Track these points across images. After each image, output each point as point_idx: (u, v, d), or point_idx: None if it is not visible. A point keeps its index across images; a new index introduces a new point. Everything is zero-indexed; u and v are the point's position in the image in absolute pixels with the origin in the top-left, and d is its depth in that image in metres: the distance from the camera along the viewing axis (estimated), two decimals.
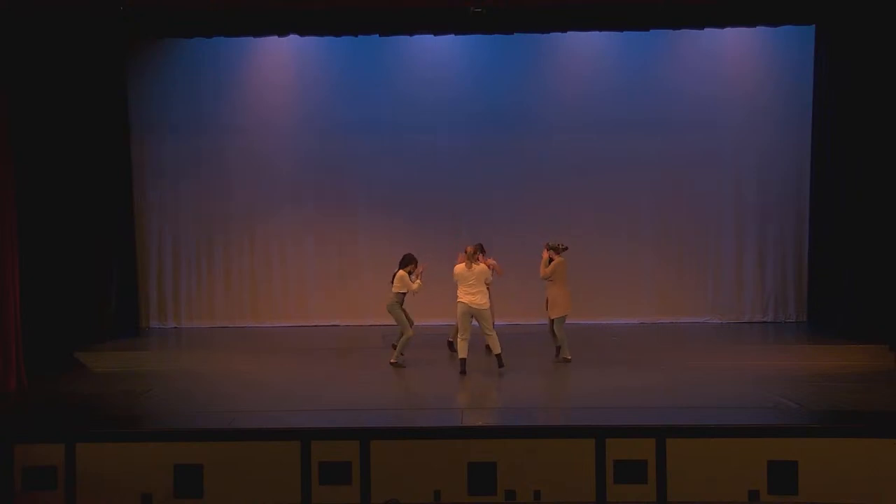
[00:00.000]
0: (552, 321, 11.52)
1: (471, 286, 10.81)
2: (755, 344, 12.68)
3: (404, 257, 11.56)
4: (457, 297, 10.90)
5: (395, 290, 11.40)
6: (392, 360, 11.39)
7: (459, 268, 10.93)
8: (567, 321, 13.93)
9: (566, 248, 11.56)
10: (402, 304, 11.46)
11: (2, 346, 10.39)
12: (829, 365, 11.36)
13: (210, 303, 14.80)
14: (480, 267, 10.93)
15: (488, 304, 10.88)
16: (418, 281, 11.35)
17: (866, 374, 10.89)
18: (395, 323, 11.66)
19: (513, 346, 12.06)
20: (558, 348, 11.53)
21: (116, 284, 13.81)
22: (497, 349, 10.89)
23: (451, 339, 12.12)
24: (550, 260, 11.42)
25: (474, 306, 10.77)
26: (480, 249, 11.50)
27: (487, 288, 11.03)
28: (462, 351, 10.77)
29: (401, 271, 11.40)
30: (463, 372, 10.53)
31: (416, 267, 11.47)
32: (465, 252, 11.35)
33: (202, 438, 8.05)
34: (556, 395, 9.82)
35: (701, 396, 9.73)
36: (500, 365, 10.77)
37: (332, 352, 12.48)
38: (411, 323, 11.45)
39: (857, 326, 12.51)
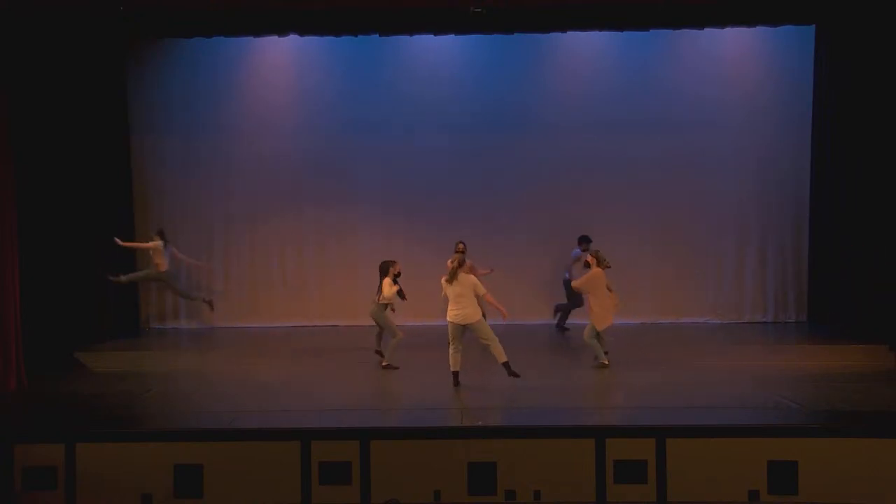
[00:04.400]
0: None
1: (455, 300, 10.12)
2: (755, 344, 12.66)
3: (382, 265, 11.36)
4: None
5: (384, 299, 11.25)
6: (384, 363, 11.25)
7: (443, 282, 10.28)
8: (568, 321, 13.95)
9: (609, 267, 11.27)
10: (385, 309, 11.32)
11: (2, 346, 10.38)
12: (829, 365, 11.35)
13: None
14: (467, 279, 10.16)
15: (479, 315, 10.18)
16: (394, 288, 11.15)
17: (866, 374, 10.87)
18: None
19: (513, 345, 12.04)
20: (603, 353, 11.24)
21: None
22: (502, 357, 10.13)
23: None
24: (587, 264, 11.40)
25: (462, 322, 10.11)
26: (462, 261, 10.63)
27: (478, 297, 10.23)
28: (454, 364, 10.19)
29: (387, 279, 11.22)
30: (456, 384, 10.14)
31: (398, 269, 11.32)
32: (457, 250, 11.22)
33: (202, 438, 8.06)
34: (556, 395, 9.80)
35: (701, 396, 9.70)
36: (510, 374, 10.03)
37: (331, 352, 12.47)
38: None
39: (857, 326, 12.52)
